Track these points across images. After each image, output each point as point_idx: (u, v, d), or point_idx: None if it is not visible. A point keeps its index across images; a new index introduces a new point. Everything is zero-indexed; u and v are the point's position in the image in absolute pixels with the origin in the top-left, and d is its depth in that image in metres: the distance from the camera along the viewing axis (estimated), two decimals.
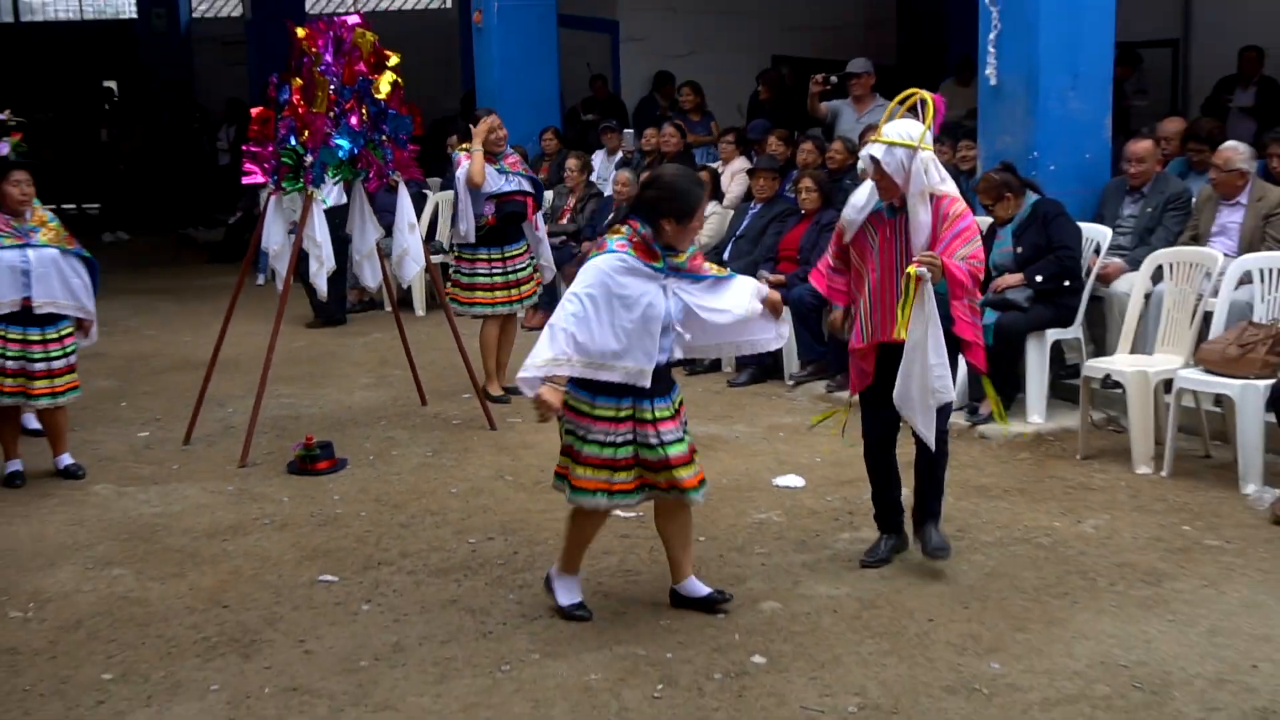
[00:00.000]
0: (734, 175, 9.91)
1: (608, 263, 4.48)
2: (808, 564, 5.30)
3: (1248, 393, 6.04)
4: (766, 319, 4.83)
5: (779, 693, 4.21)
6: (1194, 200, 7.61)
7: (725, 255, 8.98)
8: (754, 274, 8.60)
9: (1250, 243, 7.12)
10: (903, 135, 4.95)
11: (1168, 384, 6.45)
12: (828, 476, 6.44)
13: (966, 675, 4.31)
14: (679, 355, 4.81)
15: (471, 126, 8.06)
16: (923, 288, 4.76)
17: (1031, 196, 7.40)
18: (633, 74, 14.57)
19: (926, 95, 5.06)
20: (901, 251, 5.02)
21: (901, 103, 5.12)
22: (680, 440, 4.64)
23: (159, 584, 5.29)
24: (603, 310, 4.45)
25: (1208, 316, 6.70)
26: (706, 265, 4.84)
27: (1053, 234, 7.27)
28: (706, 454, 6.84)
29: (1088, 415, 6.90)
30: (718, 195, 9.60)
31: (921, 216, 4.96)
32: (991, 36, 8.03)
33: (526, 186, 7.98)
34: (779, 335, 4.98)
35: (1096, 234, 7.55)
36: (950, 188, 5.11)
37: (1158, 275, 7.05)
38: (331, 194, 7.51)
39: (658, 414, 4.59)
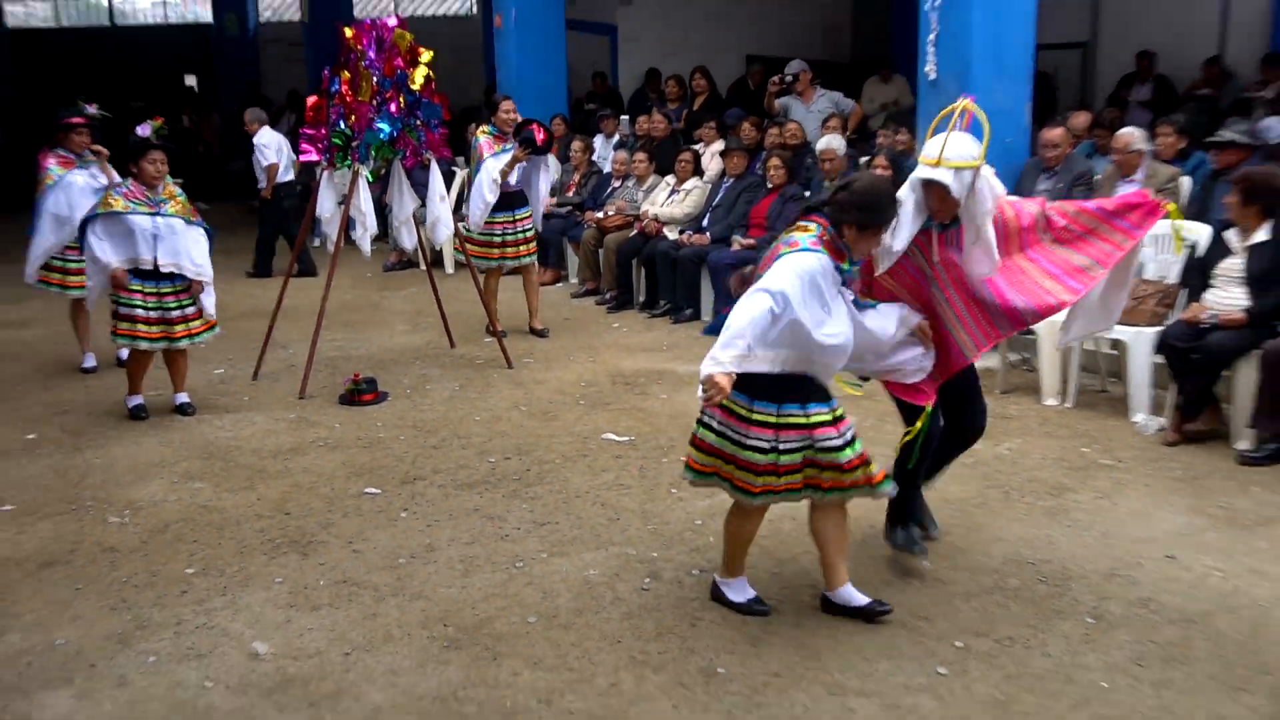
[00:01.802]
0: (713, 155, 9.86)
1: (809, 263, 3.66)
2: None
3: (1139, 338, 6.06)
4: (913, 344, 4.11)
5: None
6: (1098, 177, 7.59)
7: (705, 223, 8.97)
8: (728, 238, 8.65)
9: None
10: (965, 156, 3.88)
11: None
12: None
13: (903, 572, 4.36)
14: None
15: (489, 110, 8.08)
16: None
17: None
18: (628, 70, 14.55)
19: (973, 107, 4.04)
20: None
21: (946, 118, 4.00)
22: (844, 446, 3.78)
23: (232, 495, 5.32)
24: (804, 306, 3.62)
25: None
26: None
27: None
28: (688, 390, 6.89)
29: (1006, 357, 6.91)
30: (698, 171, 9.58)
31: (989, 233, 3.96)
32: (931, 38, 7.96)
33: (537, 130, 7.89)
34: (921, 367, 4.14)
35: None
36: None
37: None
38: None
39: (815, 419, 3.78)
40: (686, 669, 3.67)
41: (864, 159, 8.43)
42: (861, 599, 3.98)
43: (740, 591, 4.10)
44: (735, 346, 3.54)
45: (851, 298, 3.88)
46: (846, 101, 10.57)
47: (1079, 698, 3.47)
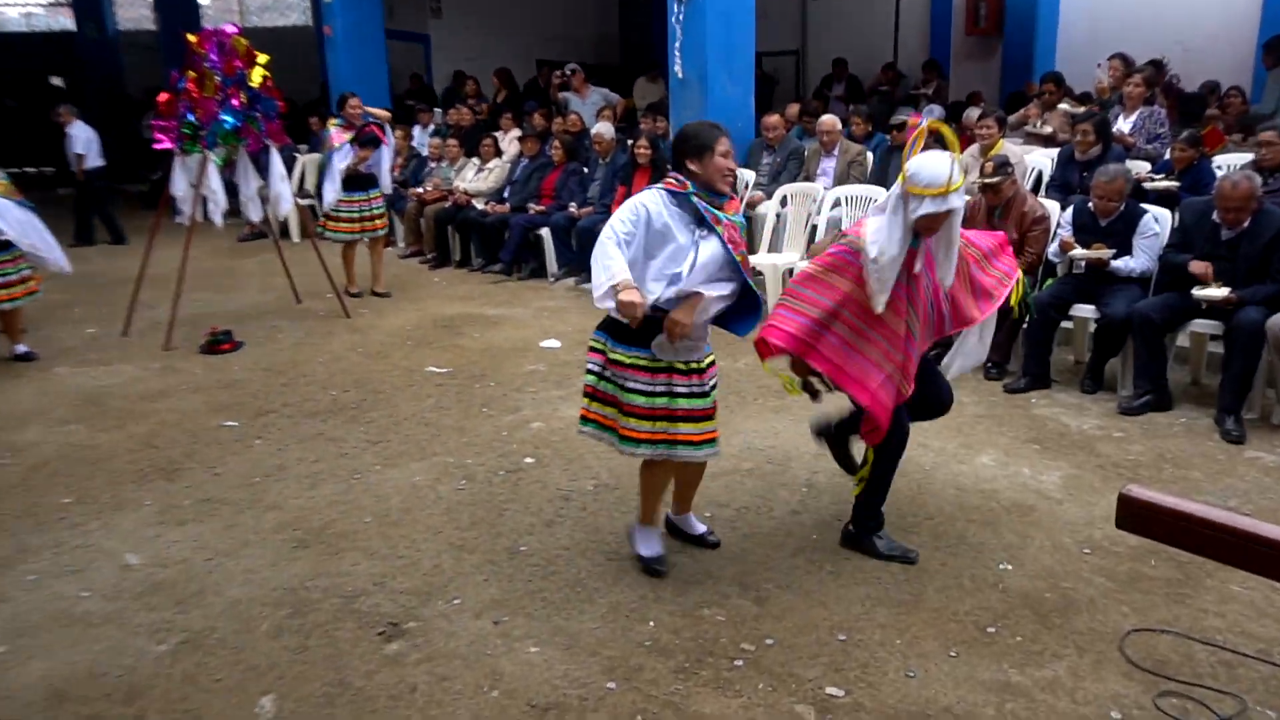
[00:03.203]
0: (511, 140, 9.65)
1: (641, 197, 3.12)
2: (562, 397, 5.28)
3: None
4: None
5: (543, 480, 4.22)
6: (806, 153, 7.79)
7: (505, 194, 8.80)
8: (525, 206, 8.49)
9: (840, 179, 7.34)
10: (955, 177, 3.01)
11: (791, 271, 6.62)
12: (576, 340, 6.40)
13: None
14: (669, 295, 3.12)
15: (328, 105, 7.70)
16: None
17: None
18: (440, 72, 14.07)
19: (941, 128, 3.18)
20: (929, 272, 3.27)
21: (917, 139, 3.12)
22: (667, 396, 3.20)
23: (105, 434, 4.91)
24: (639, 240, 3.08)
25: (814, 228, 6.91)
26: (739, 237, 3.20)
27: None
28: (497, 329, 6.77)
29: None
30: (499, 153, 9.35)
31: (955, 234, 3.19)
32: (677, 44, 7.95)
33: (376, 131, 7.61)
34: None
35: (746, 175, 7.66)
36: None
37: (785, 201, 7.23)
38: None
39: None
40: (495, 549, 3.62)
41: (630, 141, 8.40)
42: (700, 528, 3.64)
43: (648, 545, 3.47)
44: (597, 277, 2.99)
45: (707, 237, 3.12)
46: (614, 96, 10.52)
47: (796, 547, 3.59)
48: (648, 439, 3.21)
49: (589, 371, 3.30)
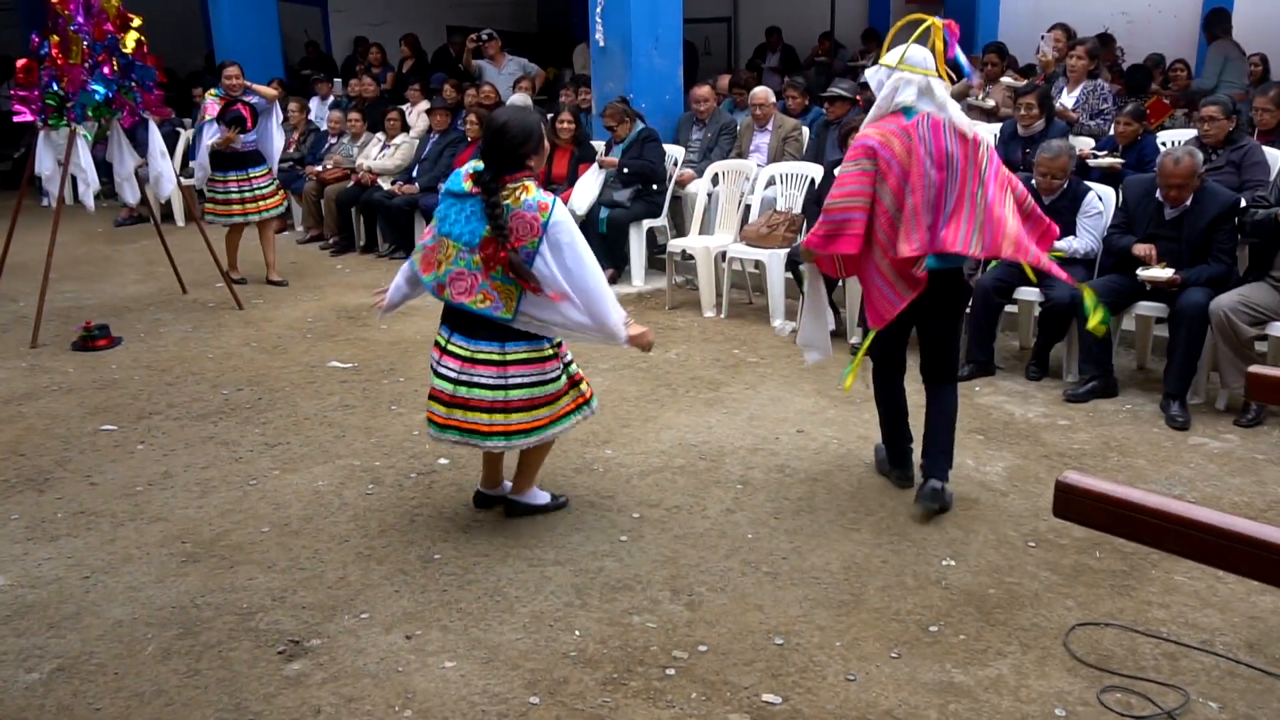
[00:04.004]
0: (419, 114, 9.54)
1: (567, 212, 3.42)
2: None
3: (773, 259, 6.36)
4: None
5: (458, 483, 4.20)
6: (739, 128, 7.86)
7: (414, 173, 8.70)
8: (435, 186, 8.40)
9: (775, 156, 7.43)
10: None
11: (724, 254, 6.69)
12: None
13: (589, 459, 4.42)
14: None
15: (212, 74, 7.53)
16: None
17: (639, 124, 7.48)
18: (339, 39, 13.85)
19: (936, 21, 3.60)
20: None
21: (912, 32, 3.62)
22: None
23: None
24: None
25: (748, 208, 6.99)
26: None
27: (646, 153, 7.38)
28: (407, 320, 6.66)
29: (672, 278, 7.10)
30: (406, 128, 9.24)
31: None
32: (598, 11, 7.96)
33: (243, 110, 7.39)
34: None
35: (675, 152, 7.71)
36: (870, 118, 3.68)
37: (716, 180, 7.28)
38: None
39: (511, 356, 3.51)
40: (407, 558, 3.59)
41: (550, 115, 8.39)
42: (545, 496, 3.91)
43: (539, 496, 3.88)
44: (615, 312, 3.44)
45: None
46: (532, 66, 10.47)
47: (731, 548, 3.64)
48: (519, 429, 3.54)
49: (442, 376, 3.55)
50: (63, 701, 2.86)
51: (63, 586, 3.45)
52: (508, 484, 3.93)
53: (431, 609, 3.27)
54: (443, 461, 4.40)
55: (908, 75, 3.55)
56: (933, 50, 3.59)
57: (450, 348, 3.52)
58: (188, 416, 5.01)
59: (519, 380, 3.48)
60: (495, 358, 3.46)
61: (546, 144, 3.51)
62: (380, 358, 5.89)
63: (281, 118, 7.90)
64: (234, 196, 7.46)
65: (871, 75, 3.67)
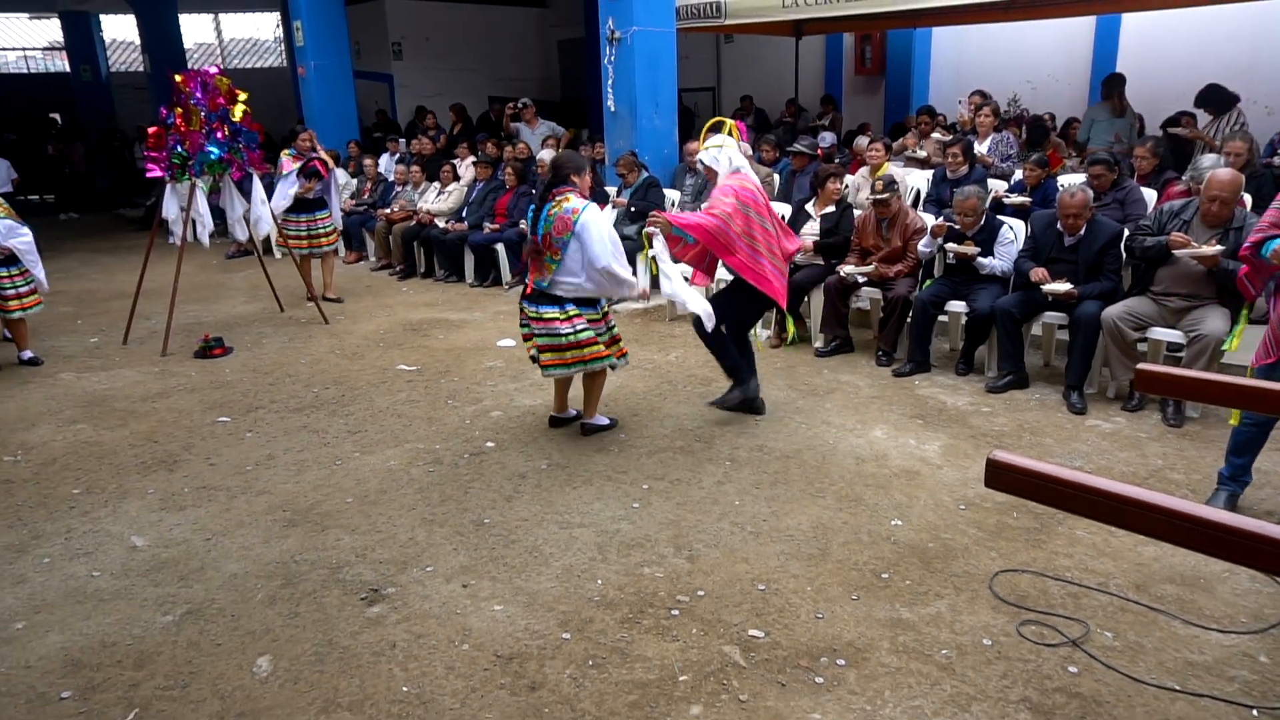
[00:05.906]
0: (467, 166, 9.52)
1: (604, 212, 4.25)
2: (519, 389, 5.25)
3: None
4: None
5: (502, 462, 4.19)
6: None
7: (463, 214, 8.69)
8: (481, 224, 8.40)
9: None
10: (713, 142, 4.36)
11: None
12: None
13: (607, 442, 4.38)
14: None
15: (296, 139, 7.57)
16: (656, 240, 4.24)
17: (644, 173, 7.47)
18: (403, 107, 13.84)
19: (728, 121, 4.47)
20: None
21: (713, 128, 4.44)
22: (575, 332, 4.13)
23: (109, 431, 4.75)
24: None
25: None
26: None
27: (649, 195, 7.37)
28: (460, 331, 6.69)
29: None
30: (457, 178, 9.23)
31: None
32: (609, 82, 7.95)
33: (319, 166, 7.41)
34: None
35: (672, 195, 7.68)
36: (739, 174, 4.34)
37: None
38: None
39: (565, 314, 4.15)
40: (462, 522, 3.59)
41: None
42: (605, 420, 4.47)
43: (601, 420, 4.46)
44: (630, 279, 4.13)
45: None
46: (559, 128, 10.47)
47: (721, 512, 3.63)
48: (592, 357, 4.15)
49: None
50: (191, 638, 2.87)
51: (189, 547, 3.46)
52: (570, 410, 4.55)
53: (483, 563, 3.27)
54: (490, 444, 4.40)
55: (731, 150, 4.32)
56: (729, 135, 4.40)
57: (532, 314, 4.13)
58: (286, 410, 5.02)
59: (580, 328, 4.10)
60: (560, 315, 4.08)
61: (589, 173, 4.17)
62: (439, 361, 5.89)
63: (338, 184, 7.93)
64: (304, 234, 7.51)
65: (706, 155, 4.37)
